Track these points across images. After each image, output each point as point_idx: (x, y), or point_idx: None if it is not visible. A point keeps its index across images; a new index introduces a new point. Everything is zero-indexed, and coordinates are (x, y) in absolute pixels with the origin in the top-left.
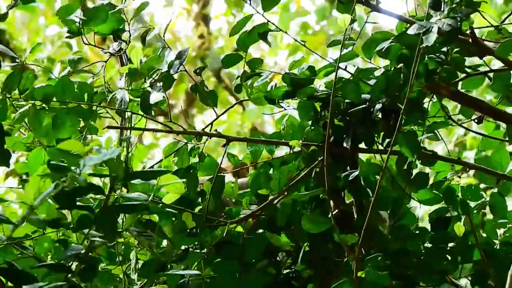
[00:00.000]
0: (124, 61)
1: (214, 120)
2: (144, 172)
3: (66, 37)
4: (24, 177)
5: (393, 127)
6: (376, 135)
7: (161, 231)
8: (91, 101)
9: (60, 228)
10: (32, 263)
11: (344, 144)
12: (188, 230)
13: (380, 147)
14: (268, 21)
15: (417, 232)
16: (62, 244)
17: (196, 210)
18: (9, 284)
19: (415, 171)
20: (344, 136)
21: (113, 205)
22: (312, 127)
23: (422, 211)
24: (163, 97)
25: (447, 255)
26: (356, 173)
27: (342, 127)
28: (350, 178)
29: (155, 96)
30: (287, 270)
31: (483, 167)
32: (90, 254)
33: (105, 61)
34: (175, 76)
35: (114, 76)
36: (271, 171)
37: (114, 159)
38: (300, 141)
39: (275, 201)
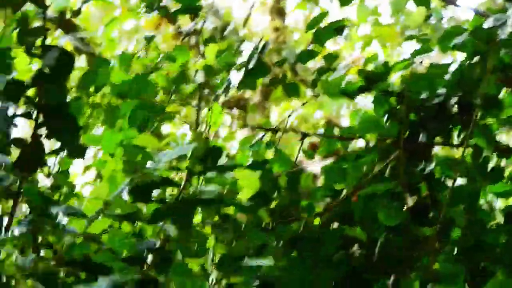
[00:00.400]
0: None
1: (290, 115)
2: (220, 166)
3: (144, 12)
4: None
5: (469, 121)
6: (451, 129)
7: (236, 225)
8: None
9: (135, 222)
10: (108, 256)
11: (419, 139)
12: (263, 225)
13: (456, 141)
14: (344, 18)
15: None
16: (137, 238)
17: (272, 205)
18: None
19: (490, 165)
20: (419, 130)
21: (188, 198)
22: (387, 122)
23: (498, 205)
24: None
25: None
26: (431, 167)
27: (417, 121)
28: (425, 172)
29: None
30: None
31: None
32: (165, 247)
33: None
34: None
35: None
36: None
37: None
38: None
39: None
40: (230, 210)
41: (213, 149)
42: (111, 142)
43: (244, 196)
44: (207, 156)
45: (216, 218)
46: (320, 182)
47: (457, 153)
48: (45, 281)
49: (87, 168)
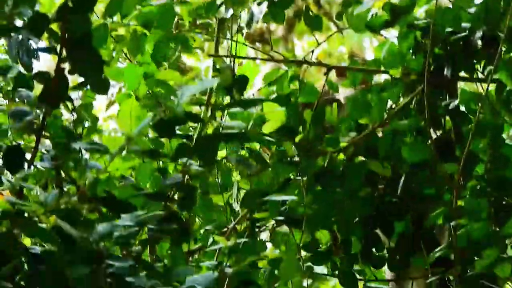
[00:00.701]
0: None
1: (315, 49)
2: (244, 100)
3: None
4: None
5: (493, 56)
6: (476, 63)
7: (261, 159)
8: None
9: (158, 158)
10: (131, 192)
11: (444, 73)
12: (288, 159)
13: (480, 76)
14: None
15: None
16: (162, 173)
17: (297, 139)
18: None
19: None
20: (444, 65)
21: (212, 133)
22: (412, 56)
23: None
24: None
25: None
26: (456, 102)
27: (442, 55)
28: (450, 108)
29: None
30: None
31: None
32: (189, 183)
33: None
34: None
35: None
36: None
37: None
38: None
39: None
40: (255, 145)
41: (239, 79)
42: (134, 76)
43: (268, 129)
44: (232, 87)
45: (243, 152)
46: (345, 113)
47: (482, 88)
48: (68, 217)
49: (111, 103)
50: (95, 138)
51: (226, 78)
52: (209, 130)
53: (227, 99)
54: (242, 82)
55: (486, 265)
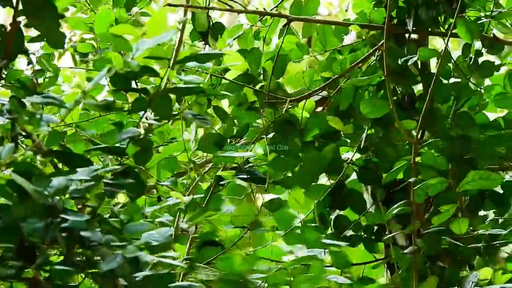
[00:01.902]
0: None
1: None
2: (200, 54)
3: None
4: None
5: (454, 10)
6: (439, 17)
7: (221, 111)
8: None
9: (114, 111)
10: (88, 146)
11: (406, 26)
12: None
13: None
14: None
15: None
16: (118, 127)
17: (257, 87)
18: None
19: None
20: (406, 18)
21: (168, 87)
22: (375, 8)
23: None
24: None
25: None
26: (416, 57)
27: (405, 9)
28: (409, 63)
29: None
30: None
31: None
32: (145, 137)
33: None
34: None
35: None
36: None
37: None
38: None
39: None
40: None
41: (215, 26)
42: (104, 21)
43: (230, 76)
44: (207, 33)
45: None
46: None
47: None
48: (23, 171)
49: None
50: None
51: (201, 24)
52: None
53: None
54: (217, 29)
55: (443, 221)
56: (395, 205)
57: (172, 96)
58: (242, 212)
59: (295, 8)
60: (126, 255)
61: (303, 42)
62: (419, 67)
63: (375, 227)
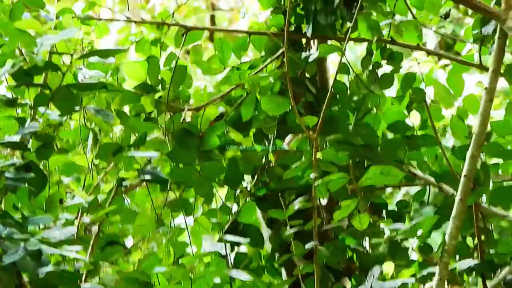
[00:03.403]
0: None
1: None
2: (102, 50)
3: None
4: None
5: (353, 14)
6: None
7: (122, 114)
8: None
9: (16, 106)
10: None
11: (305, 31)
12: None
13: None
14: None
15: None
16: (19, 122)
17: (156, 96)
18: None
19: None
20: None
21: (70, 83)
22: (274, 14)
23: None
24: None
25: (405, 145)
26: (315, 55)
27: (303, 14)
28: (309, 60)
29: None
30: None
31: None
32: (48, 132)
33: None
34: None
35: None
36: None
37: None
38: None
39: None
40: (115, 104)
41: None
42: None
43: (128, 85)
44: None
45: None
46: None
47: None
48: None
49: None
50: None
51: None
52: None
53: None
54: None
55: (344, 216)
56: (296, 201)
57: None
58: (142, 222)
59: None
60: (28, 248)
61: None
62: (318, 77)
63: (277, 254)
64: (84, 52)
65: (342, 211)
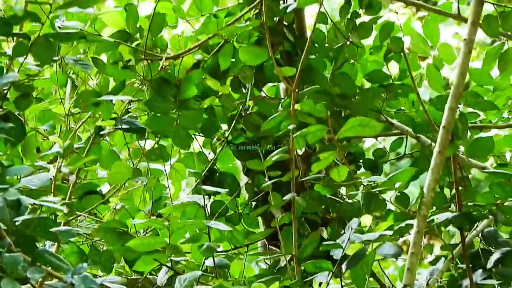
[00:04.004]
0: None
1: None
2: (79, 1)
3: None
4: None
5: None
6: None
7: (100, 62)
8: None
9: None
10: None
11: None
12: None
13: None
14: None
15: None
16: None
17: (134, 44)
18: None
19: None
20: None
21: (49, 32)
22: None
23: None
24: None
25: (382, 94)
26: (293, 5)
27: None
28: (288, 11)
29: None
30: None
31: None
32: (26, 82)
33: None
34: None
35: None
36: None
37: None
38: None
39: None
40: (91, 52)
41: None
42: None
43: (106, 33)
44: None
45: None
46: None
47: None
48: None
49: None
50: None
51: None
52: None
53: None
54: None
55: (323, 167)
56: (274, 152)
57: None
58: (118, 170)
59: None
60: (7, 198)
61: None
62: (296, 26)
63: (253, 203)
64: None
65: (320, 163)
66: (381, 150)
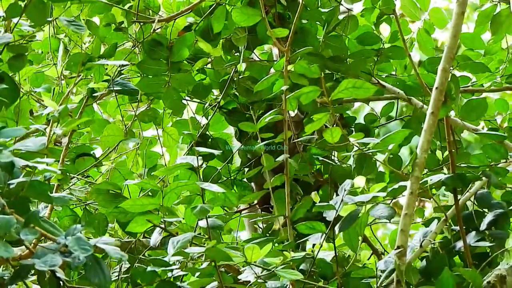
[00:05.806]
0: None
1: None
2: None
3: None
4: None
5: None
6: None
7: (93, 25)
8: None
9: None
10: None
11: None
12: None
13: None
14: None
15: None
16: None
17: (126, 6)
18: None
19: None
20: None
21: None
22: None
23: None
24: None
25: (373, 56)
26: None
27: None
28: None
29: None
30: None
31: None
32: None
33: None
34: None
35: None
36: None
37: None
38: None
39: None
40: (84, 14)
41: None
42: None
43: None
44: None
45: None
46: None
47: None
48: None
49: None
50: None
51: None
52: None
53: None
54: None
55: (316, 129)
56: (267, 114)
57: None
58: (110, 132)
59: None
60: (1, 160)
61: None
62: None
63: (246, 169)
64: None
65: (313, 125)
66: (372, 115)
